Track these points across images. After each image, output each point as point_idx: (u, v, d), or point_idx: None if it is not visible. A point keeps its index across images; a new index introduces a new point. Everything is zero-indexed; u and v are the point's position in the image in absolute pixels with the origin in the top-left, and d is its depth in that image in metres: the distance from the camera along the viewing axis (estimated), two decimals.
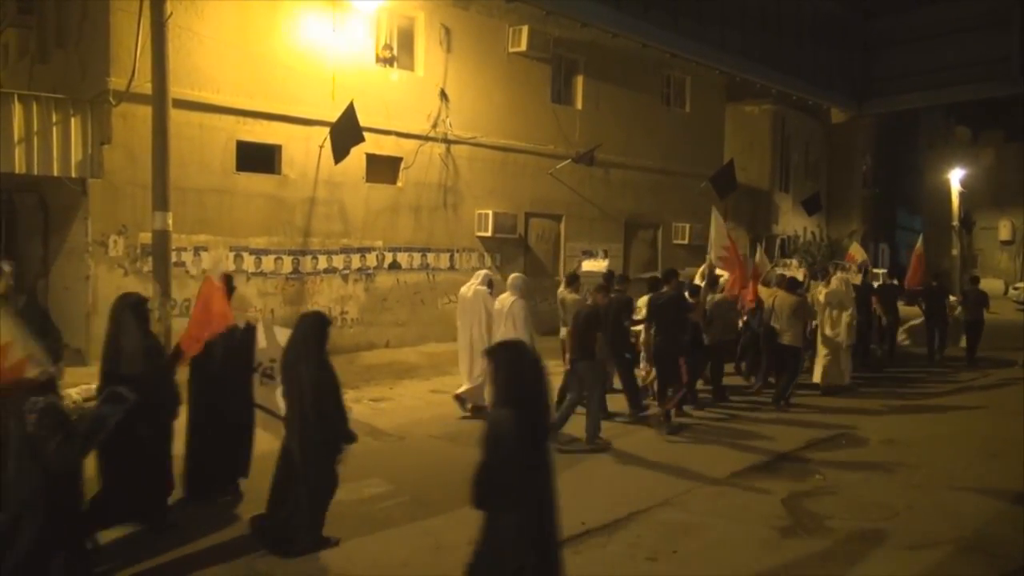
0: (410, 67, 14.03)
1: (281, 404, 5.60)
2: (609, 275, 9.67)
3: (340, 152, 11.92)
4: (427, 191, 14.19)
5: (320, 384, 5.19)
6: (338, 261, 12.96)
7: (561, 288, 10.55)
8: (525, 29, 15.14)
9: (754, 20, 17.40)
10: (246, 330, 6.26)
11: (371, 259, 13.42)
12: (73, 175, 10.48)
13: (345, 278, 13.03)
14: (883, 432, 8.98)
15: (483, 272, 9.63)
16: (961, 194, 32.02)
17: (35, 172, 10.21)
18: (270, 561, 5.06)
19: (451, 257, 14.57)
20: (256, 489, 5.73)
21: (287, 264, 12.36)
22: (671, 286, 9.25)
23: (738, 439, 8.51)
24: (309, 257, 12.63)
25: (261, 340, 6.19)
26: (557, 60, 16.41)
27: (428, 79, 14.09)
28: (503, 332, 8.27)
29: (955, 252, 31.89)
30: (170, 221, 9.85)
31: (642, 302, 9.80)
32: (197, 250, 11.40)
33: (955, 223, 32.01)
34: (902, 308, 14.42)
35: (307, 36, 12.36)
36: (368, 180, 13.33)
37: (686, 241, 19.32)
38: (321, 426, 5.18)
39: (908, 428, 9.26)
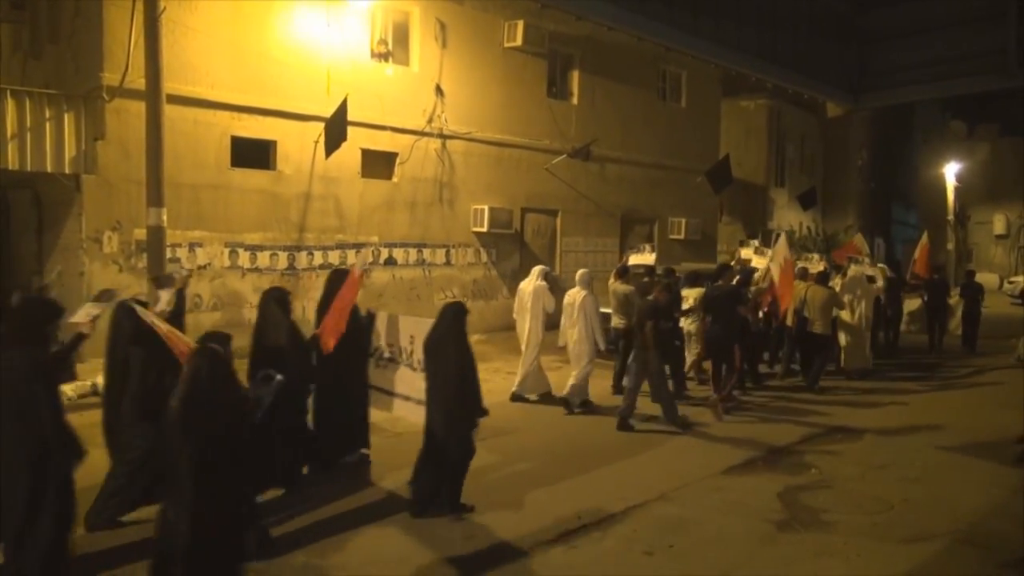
0: (405, 62, 13.99)
1: (399, 384, 6.77)
2: (669, 272, 10.38)
3: (330, 146, 11.88)
4: (423, 186, 14.16)
5: (463, 364, 5.94)
6: (333, 257, 12.93)
7: (611, 280, 10.88)
8: (520, 24, 15.10)
9: (749, 13, 17.35)
10: (367, 317, 7.04)
11: (367, 255, 13.39)
12: (67, 171, 10.43)
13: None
14: (879, 425, 8.99)
15: (541, 268, 10.17)
16: (956, 188, 32.07)
17: (28, 168, 10.15)
18: (425, 522, 5.76)
19: (447, 252, 14.55)
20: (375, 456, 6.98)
21: (282, 260, 12.33)
22: (726, 280, 10.20)
23: (735, 433, 8.52)
24: (304, 253, 12.60)
25: (381, 328, 7.03)
26: (552, 55, 16.37)
27: (423, 74, 14.05)
28: (574, 324, 9.30)
29: (950, 247, 31.95)
30: (165, 217, 9.84)
31: (687, 294, 10.51)
32: (192, 246, 11.36)
33: (950, 217, 32.07)
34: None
35: (302, 31, 12.31)
36: (363, 175, 13.29)
37: (682, 236, 19.34)
38: (462, 401, 5.90)
39: (903, 421, 9.27)
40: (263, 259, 12.10)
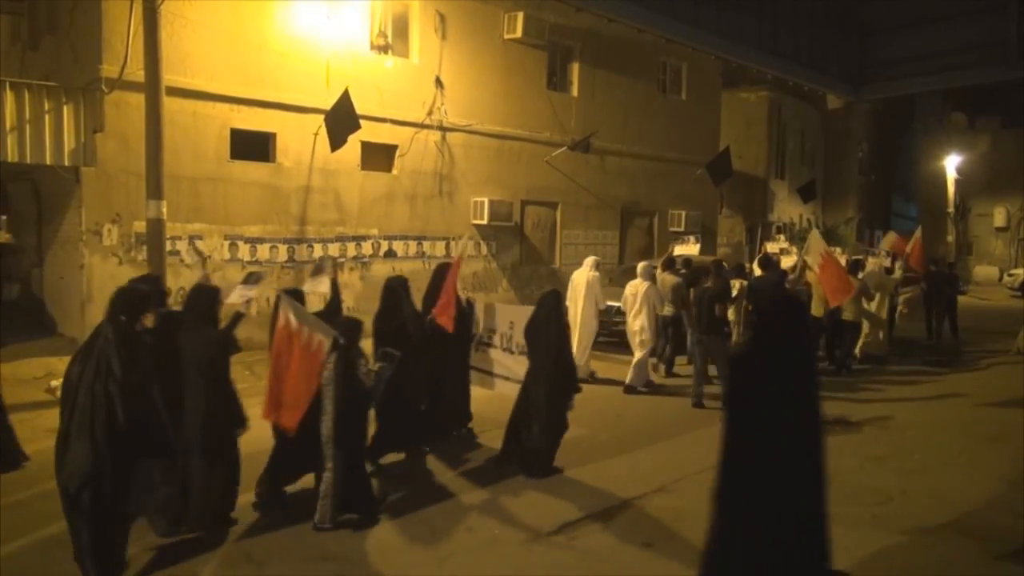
0: (405, 54, 13.95)
1: (497, 366, 7.62)
2: (718, 264, 10.73)
3: (337, 140, 11.85)
4: (423, 179, 14.14)
5: (561, 345, 6.83)
6: (333, 249, 12.93)
7: (658, 271, 11.33)
8: (520, 15, 15.05)
9: (750, 4, 17.28)
10: (468, 305, 7.85)
11: (367, 247, 13.40)
12: (66, 163, 10.41)
13: (340, 266, 12.97)
14: (877, 417, 9.01)
15: (593, 259, 10.88)
16: (957, 181, 32.04)
17: (28, 161, 10.14)
18: (526, 483, 6.43)
19: (447, 245, 14.53)
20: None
21: (282, 252, 12.33)
22: (772, 272, 10.97)
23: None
24: (304, 245, 12.60)
25: (480, 315, 7.90)
26: (553, 47, 16.33)
27: (423, 66, 14.02)
28: (638, 314, 10.06)
29: (950, 239, 31.96)
30: (164, 210, 9.83)
31: (733, 283, 10.91)
32: (192, 239, 11.36)
33: (950, 210, 32.06)
34: None
35: (301, 23, 12.27)
36: (363, 168, 13.28)
37: (682, 228, 19.29)
38: (561, 377, 6.72)
39: (902, 412, 9.30)
40: (263, 252, 12.10)
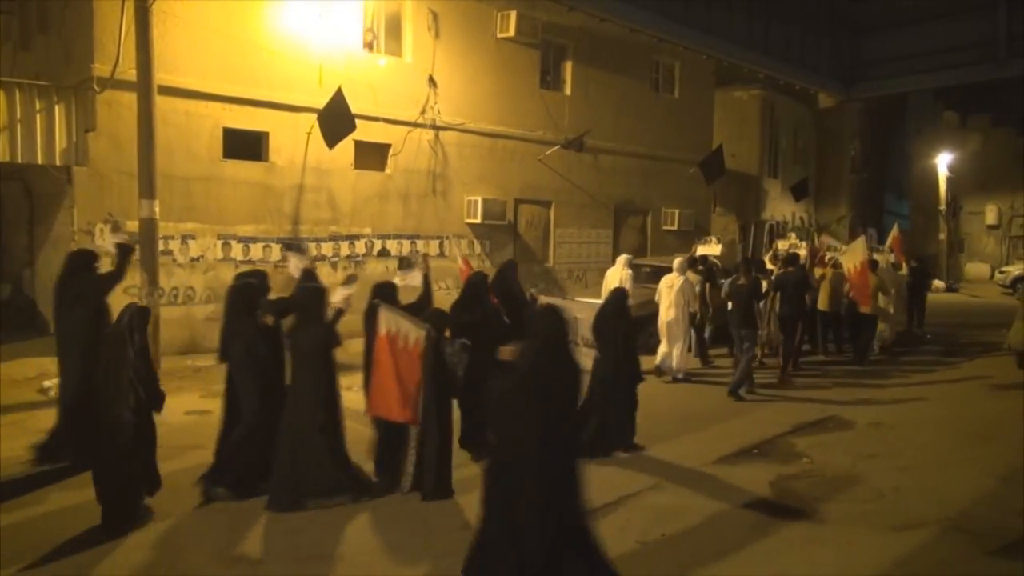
0: (398, 53, 13.94)
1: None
2: (746, 260, 11.53)
3: (332, 139, 11.83)
4: (416, 178, 14.13)
5: (628, 337, 7.47)
6: (327, 249, 12.93)
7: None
8: (513, 14, 15.05)
9: (741, 3, 17.34)
10: (532, 301, 8.14)
11: (360, 246, 13.39)
12: (58, 163, 10.38)
13: (334, 265, 12.99)
14: (870, 415, 9.05)
15: (626, 256, 11.69)
16: (948, 179, 32.16)
17: (19, 160, 10.10)
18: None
19: (440, 244, 14.54)
20: None
21: (275, 252, 12.30)
22: (796, 268, 11.36)
23: (728, 421, 8.56)
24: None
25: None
26: (546, 45, 16.34)
27: (416, 65, 14.01)
28: (673, 306, 10.47)
29: (942, 236, 32.07)
30: (157, 209, 9.85)
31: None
32: (184, 238, 11.34)
33: (942, 207, 32.17)
34: None
35: (293, 21, 12.25)
36: (356, 167, 13.26)
37: (675, 227, 19.36)
38: (630, 363, 7.43)
39: (894, 410, 9.34)
40: (256, 251, 12.08)
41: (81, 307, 6.59)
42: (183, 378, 10.01)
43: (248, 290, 6.24)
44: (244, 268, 11.83)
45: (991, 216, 33.94)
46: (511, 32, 15.09)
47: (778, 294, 11.15)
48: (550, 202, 16.69)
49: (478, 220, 14.83)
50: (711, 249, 13.33)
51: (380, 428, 6.33)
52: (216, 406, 6.81)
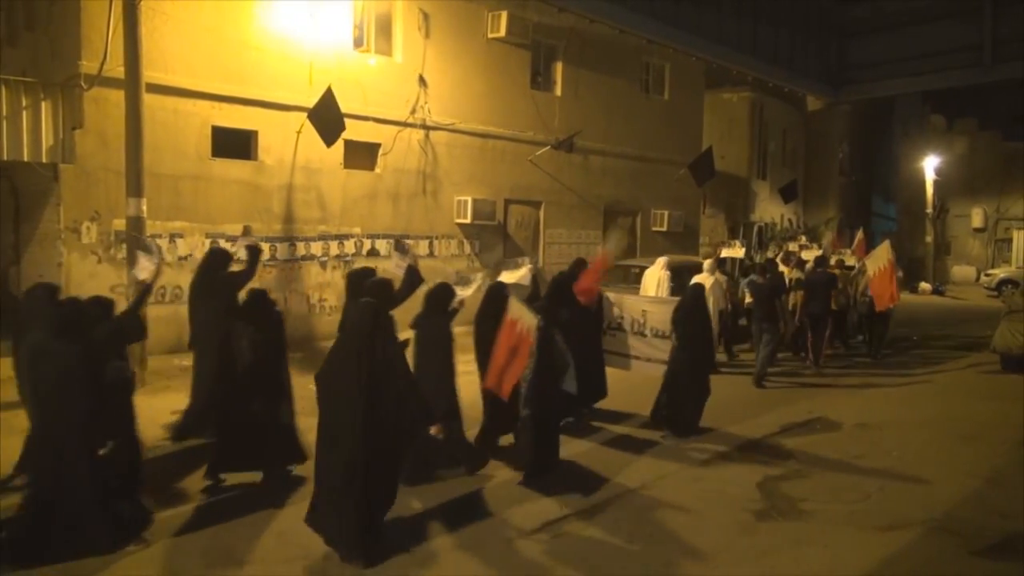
0: (388, 52, 13.90)
1: (633, 349, 8.88)
2: (768, 260, 12.17)
3: (329, 137, 11.78)
4: (406, 177, 14.11)
5: (704, 328, 8.32)
6: (316, 248, 12.87)
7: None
8: (504, 15, 15.05)
9: (730, 5, 17.39)
10: (600, 298, 8.85)
11: (349, 246, 13.34)
12: (44, 160, 10.28)
13: (323, 265, 12.95)
14: (856, 416, 9.12)
15: (664, 258, 12.05)
16: (935, 182, 32.39)
17: (5, 157, 10.00)
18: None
19: (430, 244, 14.52)
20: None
21: (264, 251, 12.21)
22: (823, 268, 12.25)
23: (716, 423, 8.59)
24: (286, 244, 12.52)
25: (609, 305, 9.09)
26: (536, 46, 16.34)
27: (406, 65, 13.98)
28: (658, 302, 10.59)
29: (929, 239, 32.31)
30: (144, 207, 9.74)
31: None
32: (172, 237, 11.27)
33: (929, 210, 32.40)
34: None
35: (283, 20, 12.19)
36: (346, 166, 13.22)
37: (665, 228, 19.41)
38: (705, 354, 8.28)
39: (881, 411, 9.41)
40: (244, 250, 11.98)
41: (215, 301, 7.23)
42: (171, 377, 9.95)
43: (384, 286, 6.23)
44: (235, 268, 11.79)
45: (977, 219, 34.23)
46: (502, 32, 15.09)
47: (804, 292, 11.97)
48: (540, 202, 16.70)
49: (468, 220, 14.81)
50: (735, 252, 13.89)
51: (488, 408, 7.04)
52: None
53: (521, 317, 6.40)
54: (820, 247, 15.51)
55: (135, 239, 7.16)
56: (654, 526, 5.69)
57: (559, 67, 16.99)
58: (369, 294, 6.09)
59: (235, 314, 6.50)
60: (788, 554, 5.31)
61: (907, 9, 19.09)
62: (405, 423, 5.29)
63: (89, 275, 10.45)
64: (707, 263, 11.69)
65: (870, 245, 17.88)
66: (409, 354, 5.91)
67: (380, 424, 4.95)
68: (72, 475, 4.88)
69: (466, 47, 14.89)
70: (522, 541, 5.40)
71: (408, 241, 8.70)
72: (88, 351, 4.98)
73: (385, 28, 13.88)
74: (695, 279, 11.20)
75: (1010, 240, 33.21)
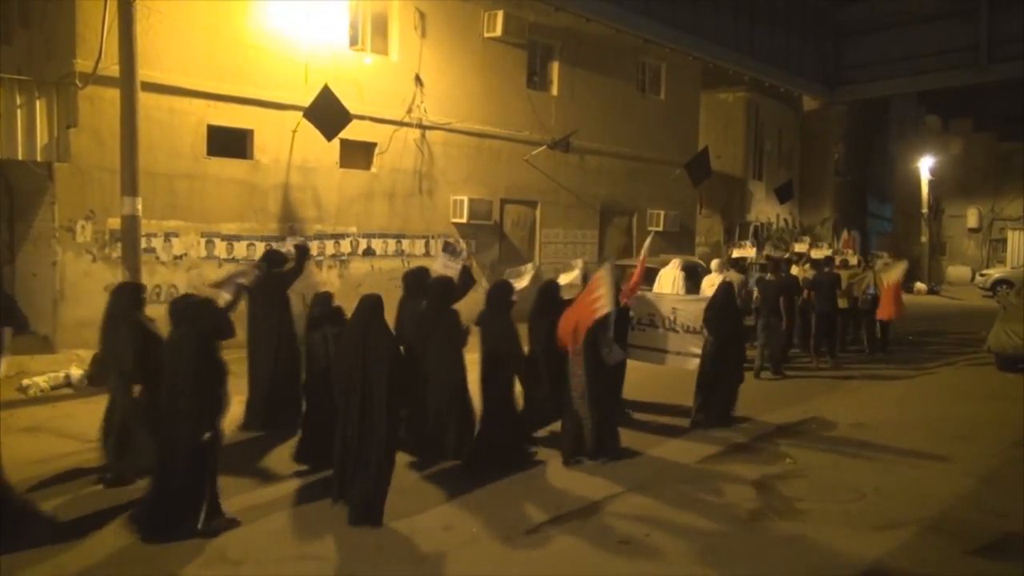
0: (384, 52, 13.89)
1: (665, 344, 9.19)
2: (777, 260, 12.61)
3: (331, 131, 11.75)
4: (402, 177, 14.09)
5: (737, 324, 8.96)
6: (312, 247, 12.81)
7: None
8: (500, 14, 15.05)
9: (727, 5, 17.43)
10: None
11: (345, 245, 13.32)
12: (39, 159, 10.25)
13: (319, 264, 12.91)
14: (852, 415, 9.12)
15: (679, 259, 12.44)
16: (930, 182, 32.45)
17: None
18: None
19: (426, 243, 14.50)
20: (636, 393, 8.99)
21: (260, 250, 12.08)
22: (831, 268, 12.88)
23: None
24: (282, 243, 12.48)
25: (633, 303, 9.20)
26: (532, 46, 16.34)
27: (402, 64, 13.97)
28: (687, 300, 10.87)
29: (924, 239, 32.38)
30: (139, 206, 9.73)
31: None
32: (168, 236, 11.24)
33: (924, 211, 32.46)
34: None
35: (279, 18, 12.17)
36: (342, 166, 13.20)
37: (661, 228, 19.39)
38: (737, 347, 8.77)
39: (876, 411, 9.40)
40: (240, 249, 11.99)
41: (270, 300, 7.84)
42: None
43: (447, 284, 7.10)
44: (228, 266, 11.78)
45: (972, 219, 34.30)
46: (498, 32, 15.08)
47: (812, 292, 12.43)
48: (536, 202, 16.69)
49: (464, 220, 14.80)
50: (746, 252, 14.26)
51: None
52: None
53: (601, 290, 6.89)
54: (830, 247, 16.11)
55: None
56: (649, 525, 5.66)
57: (555, 67, 17.00)
58: (433, 292, 6.99)
59: (315, 315, 6.92)
60: (784, 553, 5.29)
61: (903, 10, 19.15)
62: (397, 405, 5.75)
63: (84, 274, 10.42)
64: (715, 263, 12.23)
65: (866, 245, 18.07)
66: (474, 350, 6.81)
67: (379, 404, 5.49)
68: (196, 458, 5.23)
69: (462, 46, 14.89)
70: (515, 543, 5.37)
71: (457, 243, 9.01)
72: (209, 344, 5.41)
73: (381, 27, 13.87)
74: (706, 279, 11.94)
75: (1005, 240, 33.30)
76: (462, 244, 8.39)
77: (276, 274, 8.09)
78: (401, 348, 6.25)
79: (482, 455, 6.61)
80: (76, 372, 9.37)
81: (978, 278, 30.14)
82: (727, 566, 5.11)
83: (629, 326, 9.05)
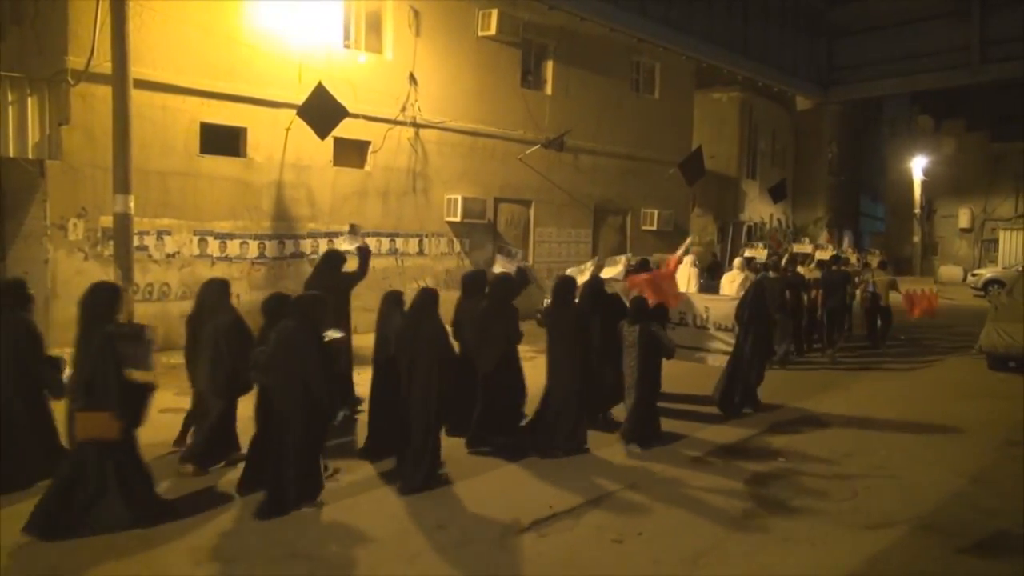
0: (378, 50, 13.86)
1: (698, 342, 9.88)
2: (788, 259, 13.33)
3: (324, 129, 11.70)
4: (395, 175, 14.07)
5: (764, 319, 9.22)
6: (305, 246, 12.82)
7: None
8: (494, 12, 15.03)
9: (721, 5, 17.45)
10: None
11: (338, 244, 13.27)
12: (30, 156, 10.17)
13: (312, 263, 12.85)
14: (844, 414, 9.14)
15: (691, 256, 12.74)
16: (923, 182, 32.57)
17: None
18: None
19: (420, 242, 14.48)
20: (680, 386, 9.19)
21: (253, 249, 12.19)
22: (839, 267, 13.61)
23: (704, 422, 8.61)
24: (275, 242, 12.47)
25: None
26: (527, 44, 16.34)
27: (397, 62, 13.94)
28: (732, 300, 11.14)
29: (916, 239, 32.50)
30: (132, 204, 9.62)
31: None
32: (160, 234, 11.19)
33: (917, 211, 32.58)
34: None
35: (273, 16, 12.13)
36: (336, 164, 13.17)
37: (654, 227, 19.44)
38: (764, 343, 9.20)
39: (868, 409, 9.42)
40: (233, 248, 11.95)
41: (331, 299, 7.69)
42: (158, 375, 9.84)
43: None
44: (221, 265, 11.74)
45: (964, 220, 34.42)
46: (492, 31, 15.07)
47: (823, 290, 12.90)
48: (530, 201, 16.69)
49: (458, 219, 14.79)
50: (758, 252, 14.66)
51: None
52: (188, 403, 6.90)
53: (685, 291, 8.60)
54: (835, 248, 16.81)
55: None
56: (642, 525, 5.66)
57: (550, 66, 16.99)
58: (496, 290, 7.47)
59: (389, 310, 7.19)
60: (775, 553, 5.29)
61: (896, 10, 19.19)
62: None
63: (75, 272, 10.36)
64: (737, 261, 12.76)
65: (859, 244, 18.28)
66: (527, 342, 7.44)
67: (425, 388, 6.21)
68: (313, 442, 5.70)
69: (457, 45, 14.87)
70: (510, 539, 5.36)
71: (513, 249, 9.36)
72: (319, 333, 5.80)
73: (375, 25, 13.84)
74: (725, 276, 12.40)
75: (996, 240, 33.43)
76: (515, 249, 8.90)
77: (343, 275, 8.20)
78: (456, 344, 6.82)
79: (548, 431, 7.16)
80: (68, 372, 9.31)
81: (970, 278, 30.25)
82: (719, 566, 5.11)
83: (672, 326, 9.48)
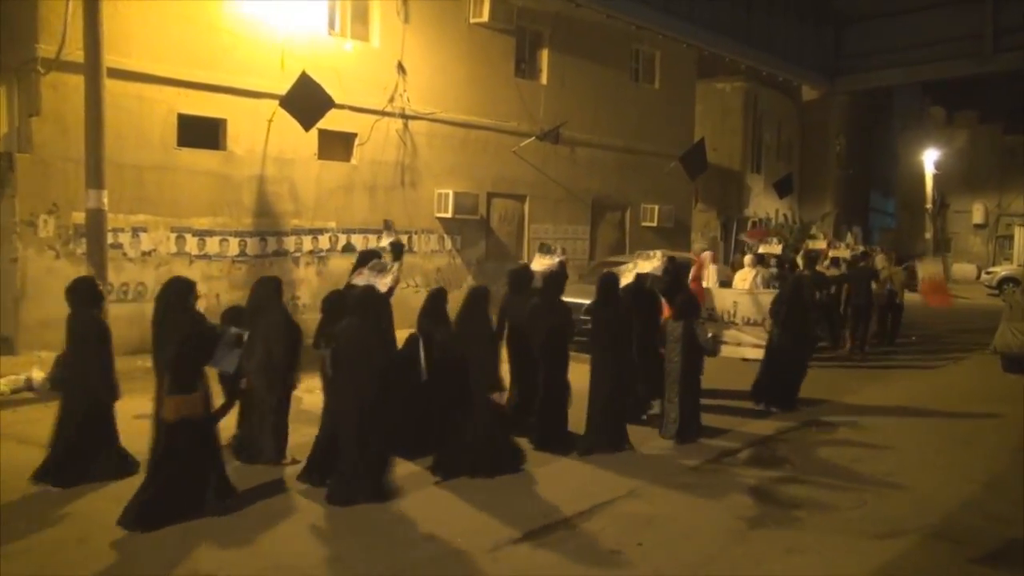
0: (365, 37, 13.48)
1: (726, 336, 10.23)
2: (811, 258, 13.11)
3: (309, 120, 11.33)
4: (383, 169, 13.67)
5: (805, 314, 9.44)
6: (289, 243, 12.44)
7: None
8: None
9: None
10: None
11: (324, 241, 12.89)
12: None
13: (296, 261, 12.51)
14: (852, 418, 8.90)
15: (709, 252, 13.14)
16: (935, 176, 31.97)
17: None
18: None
19: (409, 239, 14.03)
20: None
21: (233, 246, 11.80)
22: (865, 263, 13.98)
23: (713, 424, 8.27)
24: (257, 239, 12.08)
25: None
26: (521, 32, 15.94)
27: (384, 51, 13.55)
28: (745, 294, 11.18)
29: (928, 236, 31.88)
30: (105, 200, 9.40)
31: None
32: (135, 231, 10.83)
33: (928, 206, 31.98)
34: None
35: (254, 1, 11.75)
36: (320, 157, 12.79)
37: (654, 223, 18.99)
38: (806, 339, 9.52)
39: (877, 414, 9.19)
40: (212, 245, 11.57)
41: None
42: (133, 379, 9.40)
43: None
44: (199, 263, 11.35)
45: (978, 215, 33.86)
46: (485, 17, 14.67)
47: (849, 286, 13.13)
48: (524, 196, 16.27)
49: (449, 214, 14.38)
50: (773, 249, 14.38)
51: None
52: None
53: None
54: (848, 246, 16.76)
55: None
56: (642, 534, 5.40)
57: (545, 54, 16.60)
58: (547, 285, 7.72)
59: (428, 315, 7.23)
60: (781, 563, 5.09)
61: None
62: None
63: (46, 271, 10.03)
64: (747, 258, 12.73)
65: (867, 241, 18.06)
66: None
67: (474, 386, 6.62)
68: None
69: (447, 32, 14.48)
70: (501, 553, 5.08)
71: (552, 245, 9.21)
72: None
73: (362, 11, 13.47)
74: (738, 273, 12.52)
75: (1011, 237, 32.80)
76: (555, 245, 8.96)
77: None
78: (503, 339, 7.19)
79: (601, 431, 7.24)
80: (38, 375, 8.99)
81: (984, 276, 29.69)
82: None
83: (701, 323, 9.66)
